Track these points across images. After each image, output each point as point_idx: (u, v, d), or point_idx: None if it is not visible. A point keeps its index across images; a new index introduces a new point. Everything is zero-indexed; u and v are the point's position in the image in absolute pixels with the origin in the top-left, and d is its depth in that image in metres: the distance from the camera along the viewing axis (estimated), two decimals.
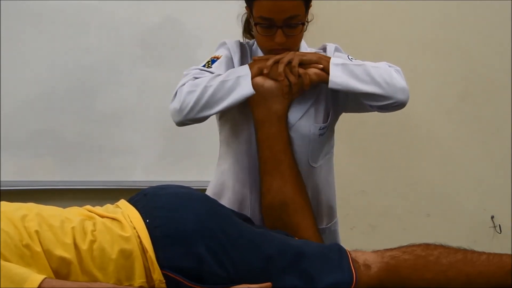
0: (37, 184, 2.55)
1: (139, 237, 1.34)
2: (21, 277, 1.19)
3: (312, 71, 1.61)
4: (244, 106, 1.66)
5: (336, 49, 1.73)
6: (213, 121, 1.77)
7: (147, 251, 1.33)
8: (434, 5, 2.83)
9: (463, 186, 2.96)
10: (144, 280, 1.33)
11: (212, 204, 1.50)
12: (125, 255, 1.32)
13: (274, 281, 1.39)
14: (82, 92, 2.56)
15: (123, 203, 1.49)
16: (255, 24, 1.63)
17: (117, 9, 2.55)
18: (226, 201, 1.76)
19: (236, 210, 1.71)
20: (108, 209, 1.46)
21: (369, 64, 1.62)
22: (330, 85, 1.60)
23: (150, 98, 2.58)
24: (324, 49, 1.75)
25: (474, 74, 2.91)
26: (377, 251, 1.53)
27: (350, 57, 1.68)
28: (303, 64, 1.61)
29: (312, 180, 1.75)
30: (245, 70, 1.64)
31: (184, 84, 1.61)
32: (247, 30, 1.78)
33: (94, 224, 1.36)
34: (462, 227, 2.92)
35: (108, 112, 2.59)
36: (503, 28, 2.88)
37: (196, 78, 1.63)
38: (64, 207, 1.46)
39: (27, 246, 1.26)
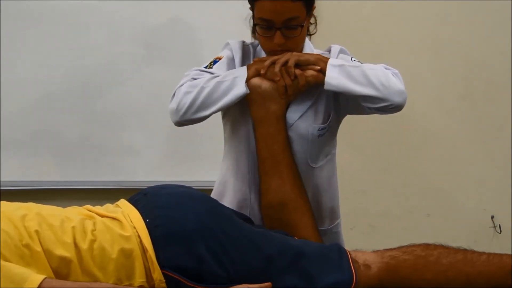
0: (37, 184, 2.55)
1: (139, 236, 1.35)
2: (21, 277, 1.19)
3: (309, 72, 1.61)
4: (244, 106, 1.67)
5: (341, 51, 1.73)
6: (216, 121, 1.78)
7: (147, 251, 1.33)
8: (434, 5, 2.83)
9: (463, 186, 2.96)
10: (144, 279, 1.33)
11: (212, 204, 1.50)
12: (125, 254, 1.32)
13: (274, 281, 1.39)
14: (83, 92, 2.55)
15: (123, 202, 1.49)
16: (255, 25, 1.64)
17: (118, 8, 2.54)
18: (227, 199, 1.77)
19: (236, 208, 1.72)
20: (108, 208, 1.46)
21: (366, 66, 1.62)
22: (326, 86, 1.60)
23: (152, 98, 2.58)
24: (330, 51, 1.75)
25: (474, 74, 2.91)
26: (377, 251, 1.53)
27: (353, 59, 1.67)
28: (301, 65, 1.62)
29: (313, 180, 1.75)
30: (242, 71, 1.65)
31: (182, 85, 1.64)
32: (254, 31, 1.79)
33: (94, 224, 1.36)
34: (462, 227, 2.92)
35: (109, 112, 2.59)
36: (503, 28, 2.88)
37: (195, 79, 1.64)
38: (64, 207, 1.46)
39: (27, 246, 1.26)
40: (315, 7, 1.69)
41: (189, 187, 1.53)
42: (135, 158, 2.63)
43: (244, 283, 1.36)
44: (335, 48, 1.73)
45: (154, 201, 1.44)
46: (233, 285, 1.36)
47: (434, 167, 2.94)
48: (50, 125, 2.55)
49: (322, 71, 1.60)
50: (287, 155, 1.66)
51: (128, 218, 1.39)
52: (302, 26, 1.62)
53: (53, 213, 1.36)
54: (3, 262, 1.20)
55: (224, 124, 1.81)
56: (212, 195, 1.82)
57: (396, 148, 2.90)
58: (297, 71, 1.61)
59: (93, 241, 1.32)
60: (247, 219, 1.62)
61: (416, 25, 2.85)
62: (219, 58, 1.73)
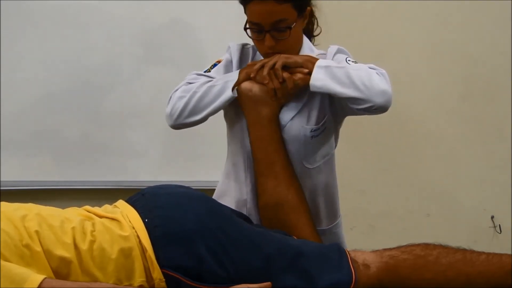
0: (37, 184, 2.55)
1: (138, 236, 1.35)
2: (21, 277, 1.19)
3: (298, 75, 1.61)
4: (239, 108, 1.69)
5: (339, 51, 1.72)
6: (217, 121, 1.78)
7: (146, 251, 1.33)
8: (434, 5, 2.83)
9: (463, 186, 2.96)
10: (144, 279, 1.33)
11: (212, 204, 1.50)
12: (125, 254, 1.32)
13: (273, 280, 1.39)
14: (83, 92, 2.56)
15: (121, 203, 1.49)
16: (246, 29, 1.64)
17: (118, 8, 2.54)
18: (228, 199, 1.77)
19: (235, 209, 1.72)
20: (106, 209, 1.47)
21: (351, 66, 1.60)
22: (311, 88, 1.60)
23: (152, 99, 2.58)
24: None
25: (474, 74, 2.91)
26: (376, 251, 1.53)
27: (348, 59, 1.65)
28: (290, 67, 1.62)
29: (309, 181, 1.75)
30: (234, 76, 1.67)
31: (177, 90, 1.67)
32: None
33: (93, 225, 1.36)
34: (462, 227, 2.92)
35: (109, 112, 2.59)
36: (503, 28, 2.88)
37: (190, 83, 1.67)
38: (64, 207, 1.46)
39: (27, 246, 1.26)
40: (310, 8, 1.69)
41: (188, 187, 1.53)
42: (135, 158, 2.63)
43: (244, 282, 1.36)
44: (332, 49, 1.73)
45: (153, 201, 1.45)
46: (233, 285, 1.36)
47: (434, 167, 2.94)
48: (50, 125, 2.55)
49: (310, 73, 1.60)
50: (281, 156, 1.67)
51: (127, 218, 1.39)
52: (290, 28, 1.61)
53: (53, 213, 1.36)
54: (3, 262, 1.20)
55: (226, 125, 1.82)
56: (214, 195, 1.83)
57: (396, 148, 2.90)
58: (285, 75, 1.61)
59: (92, 242, 1.32)
60: (247, 219, 1.62)
61: (416, 25, 2.85)
62: (219, 62, 1.75)
